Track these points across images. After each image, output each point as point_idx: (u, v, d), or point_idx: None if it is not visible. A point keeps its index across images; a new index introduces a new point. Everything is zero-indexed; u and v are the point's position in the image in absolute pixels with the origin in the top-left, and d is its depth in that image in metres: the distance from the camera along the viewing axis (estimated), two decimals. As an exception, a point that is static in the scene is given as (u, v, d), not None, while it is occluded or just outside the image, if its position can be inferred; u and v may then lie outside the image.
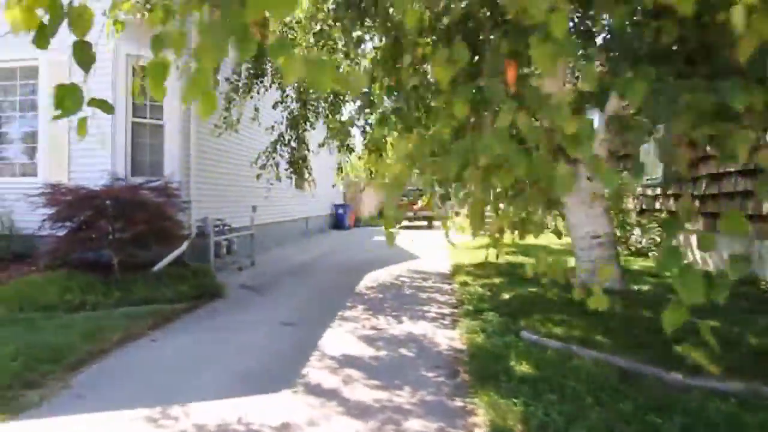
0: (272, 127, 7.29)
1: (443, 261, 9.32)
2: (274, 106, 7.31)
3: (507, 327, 4.22)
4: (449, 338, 4.35)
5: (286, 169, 7.30)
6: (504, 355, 3.65)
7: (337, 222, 16.97)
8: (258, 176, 7.01)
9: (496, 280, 6.41)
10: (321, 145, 7.31)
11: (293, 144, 7.05)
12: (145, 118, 6.43)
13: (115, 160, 6.11)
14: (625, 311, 4.51)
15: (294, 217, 12.53)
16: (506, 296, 5.42)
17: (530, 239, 12.51)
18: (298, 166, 7.20)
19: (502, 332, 4.10)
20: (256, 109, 7.10)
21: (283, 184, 11.44)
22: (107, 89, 6.06)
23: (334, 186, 14.31)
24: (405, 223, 19.10)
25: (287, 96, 7.12)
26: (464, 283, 6.43)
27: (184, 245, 6.15)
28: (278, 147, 6.95)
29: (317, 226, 15.38)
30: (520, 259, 8.33)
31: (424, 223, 19.22)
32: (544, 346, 3.75)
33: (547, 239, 11.73)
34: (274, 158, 6.94)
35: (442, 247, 12.00)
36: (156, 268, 5.80)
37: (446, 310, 5.37)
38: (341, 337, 4.33)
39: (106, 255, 5.59)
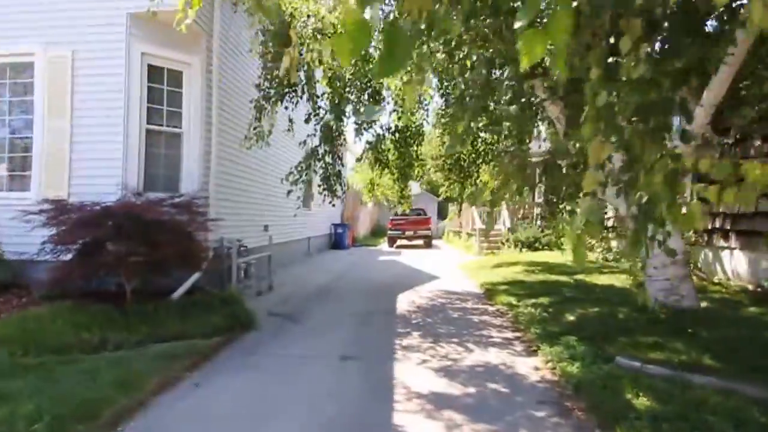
0: (304, 141, 6.76)
1: (465, 281, 8.86)
2: (307, 120, 6.79)
3: (595, 353, 3.76)
4: (533, 367, 3.85)
5: (319, 185, 6.72)
6: (611, 386, 3.18)
7: (336, 242, 16.31)
8: (289, 192, 6.42)
9: (543, 300, 5.96)
10: (359, 159, 6.83)
11: (328, 159, 6.52)
12: (161, 125, 5.78)
13: (126, 172, 5.41)
14: (714, 330, 4.13)
15: (298, 237, 11.85)
16: (571, 317, 4.97)
17: (530, 255, 12.31)
18: (333, 182, 6.65)
19: (593, 359, 3.64)
20: (291, 121, 6.54)
21: (290, 202, 10.87)
22: (118, 90, 5.43)
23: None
24: (405, 242, 18.64)
25: (319, 108, 6.64)
26: (510, 305, 5.96)
27: (202, 269, 5.46)
28: (312, 162, 6.40)
29: (318, 246, 14.70)
30: (550, 277, 7.93)
31: (420, 242, 18.73)
32: (650, 374, 3.31)
33: (548, 256, 11.58)
34: (307, 174, 6.38)
35: (453, 265, 11.57)
36: (175, 295, 5.09)
37: (509, 335, 4.87)
38: (415, 371, 3.76)
39: (117, 282, 4.86)
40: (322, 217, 14.94)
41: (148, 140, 5.64)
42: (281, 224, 9.97)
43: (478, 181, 8.42)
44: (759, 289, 6.10)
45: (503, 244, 14.26)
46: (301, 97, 6.83)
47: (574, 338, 4.08)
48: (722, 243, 7.10)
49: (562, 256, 11.15)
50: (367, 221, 24.26)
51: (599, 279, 7.52)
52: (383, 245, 20.20)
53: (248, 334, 4.74)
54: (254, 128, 6.04)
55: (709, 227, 7.27)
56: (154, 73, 5.68)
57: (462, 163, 8.28)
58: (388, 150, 7.26)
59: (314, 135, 6.65)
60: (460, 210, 14.79)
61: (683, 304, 4.44)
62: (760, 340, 3.96)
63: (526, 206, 14.57)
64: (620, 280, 7.29)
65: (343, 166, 6.88)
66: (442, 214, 28.16)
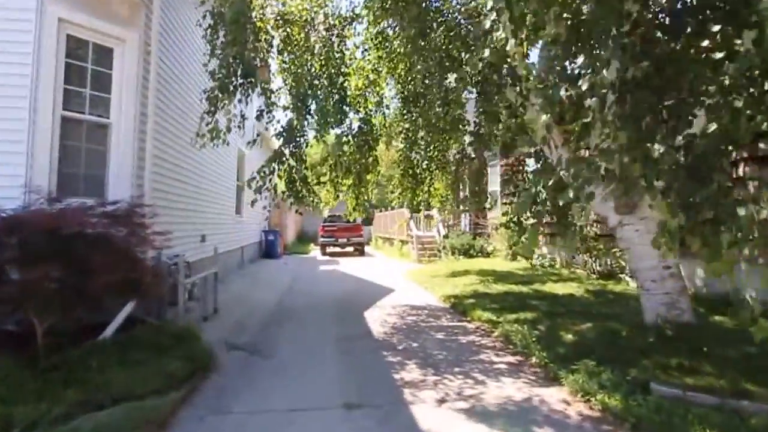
0: (254, 140, 5.80)
1: (423, 293, 8.48)
2: (259, 117, 5.83)
3: (623, 380, 3.53)
4: (562, 401, 3.51)
5: (283, 192, 5.78)
6: (671, 423, 2.91)
7: (267, 250, 14.99)
8: (253, 202, 5.43)
9: (523, 315, 5.76)
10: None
11: (291, 161, 5.63)
12: (82, 112, 4.45)
13: (33, 170, 4.03)
14: (729, 347, 4.11)
15: (233, 246, 10.54)
16: (568, 336, 4.78)
17: (469, 263, 12.31)
18: (300, 187, 5.75)
19: (627, 388, 3.40)
20: (243, 117, 5.49)
21: (224, 208, 9.58)
22: (26, 61, 4.07)
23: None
24: (336, 249, 17.87)
25: (274, 104, 5.73)
26: (491, 322, 5.67)
27: (143, 295, 4.30)
28: (275, 165, 5.47)
29: (250, 255, 13.33)
30: (510, 288, 7.85)
31: (351, 248, 18.06)
32: (698, 404, 3.14)
33: (489, 263, 11.80)
34: (271, 179, 5.43)
35: (398, 275, 11.17)
36: (108, 332, 3.90)
37: (510, 359, 4.52)
38: (440, 417, 3.19)
39: (22, 321, 3.57)
40: (253, 223, 13.63)
41: (64, 131, 4.32)
42: (216, 233, 8.71)
43: (431, 188, 8.12)
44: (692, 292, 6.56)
45: (440, 251, 14.27)
46: (253, 91, 5.91)
47: (592, 363, 3.83)
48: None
49: (506, 263, 11.38)
50: (293, 227, 22.99)
51: (555, 288, 7.61)
52: (315, 253, 19.25)
53: (211, 380, 3.76)
54: (207, 123, 4.98)
55: None
56: (76, 47, 4.39)
57: (415, 168, 7.90)
58: (351, 153, 6.59)
59: (269, 131, 5.70)
60: (410, 218, 14.50)
61: (684, 319, 4.46)
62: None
63: (457, 213, 14.77)
64: (573, 288, 7.46)
65: (307, 168, 6.05)
66: (365, 221, 27.81)
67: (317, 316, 6.37)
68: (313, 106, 5.91)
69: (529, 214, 6.36)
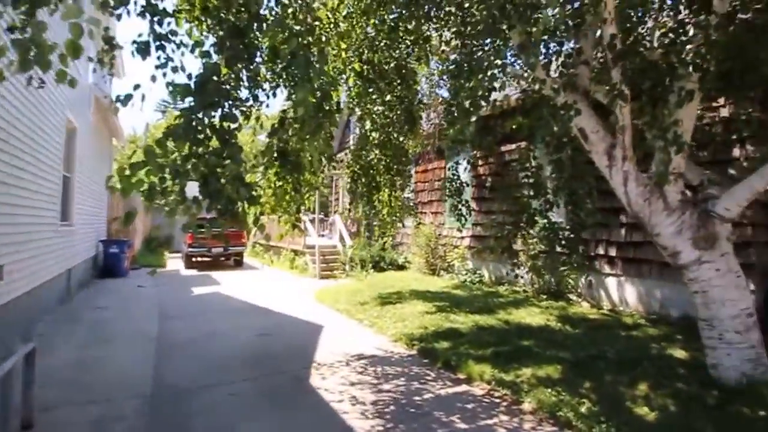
0: (129, 95, 3.08)
1: (362, 331, 6.47)
2: (143, 49, 3.16)
3: None
4: None
5: (195, 198, 2.99)
6: None
7: (108, 266, 10.86)
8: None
9: (542, 369, 4.38)
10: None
11: (215, 142, 3.01)
12: None
13: None
14: None
15: (52, 273, 6.84)
16: (640, 408, 3.49)
17: (383, 278, 10.81)
18: (232, 187, 3.01)
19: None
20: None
21: (43, 216, 6.04)
22: None
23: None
24: (202, 259, 14.30)
25: (168, 37, 3.14)
26: (501, 382, 4.13)
27: None
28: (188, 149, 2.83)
29: (81, 277, 9.27)
30: (476, 319, 6.37)
31: (223, 260, 14.71)
32: None
33: (411, 279, 10.42)
34: (177, 180, 2.77)
35: (307, 298, 8.91)
36: None
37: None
38: None
39: None
40: (89, 232, 9.64)
41: None
42: (23, 257, 5.29)
43: (392, 196, 6.30)
44: (654, 316, 6.24)
45: (344, 264, 12.38)
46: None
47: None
48: (607, 269, 7.20)
49: (427, 278, 10.10)
50: (141, 231, 18.18)
51: (521, 316, 6.51)
52: (174, 264, 15.16)
53: None
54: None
55: (591, 254, 7.32)
56: None
57: (372, 171, 5.98)
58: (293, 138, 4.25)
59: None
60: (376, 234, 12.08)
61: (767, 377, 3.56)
62: None
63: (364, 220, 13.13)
64: (539, 316, 6.48)
65: (244, 161, 3.50)
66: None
67: (240, 412, 3.86)
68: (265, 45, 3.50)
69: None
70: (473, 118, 3.94)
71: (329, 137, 4.17)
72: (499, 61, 3.96)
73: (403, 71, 5.79)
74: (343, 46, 5.13)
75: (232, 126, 3.16)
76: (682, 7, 4.01)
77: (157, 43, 3.46)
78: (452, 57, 6.05)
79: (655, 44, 4.22)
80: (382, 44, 5.59)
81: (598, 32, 3.99)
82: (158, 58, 3.51)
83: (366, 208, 7.16)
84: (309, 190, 4.76)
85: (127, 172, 2.71)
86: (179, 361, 5.09)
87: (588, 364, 4.39)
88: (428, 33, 5.62)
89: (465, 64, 4.19)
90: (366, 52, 5.58)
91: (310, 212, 13.05)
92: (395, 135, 5.92)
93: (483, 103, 4.06)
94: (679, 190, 3.77)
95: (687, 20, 3.74)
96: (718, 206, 3.66)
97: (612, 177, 3.96)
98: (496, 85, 4.10)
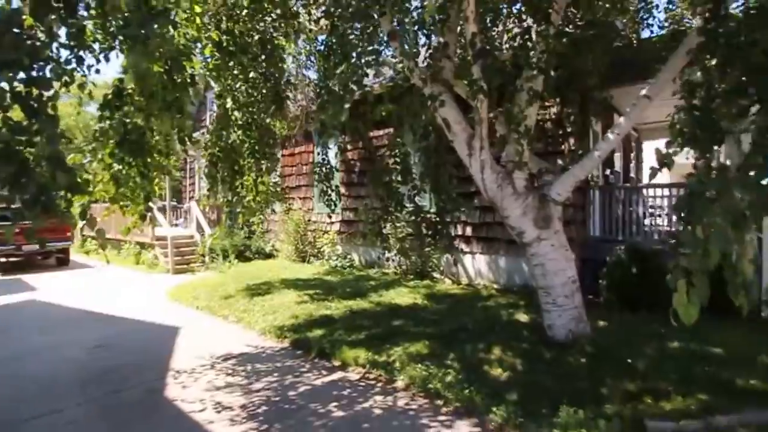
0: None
1: (228, 328, 6.00)
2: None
3: (618, 423, 2.99)
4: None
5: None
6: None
7: None
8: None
9: (411, 346, 4.64)
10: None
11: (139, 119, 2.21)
12: None
13: None
14: (636, 355, 4.08)
15: None
16: (495, 371, 3.94)
17: (250, 268, 10.68)
18: (44, 174, 2.24)
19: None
20: None
21: None
22: None
23: None
24: (13, 259, 11.52)
25: None
26: (377, 364, 4.27)
27: None
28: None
29: None
30: (353, 304, 6.45)
31: (40, 258, 12.09)
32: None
33: (281, 267, 10.06)
34: None
35: (157, 296, 7.87)
36: None
37: (466, 427, 3.28)
38: None
39: None
40: None
41: None
42: None
43: (259, 181, 5.81)
44: (502, 287, 7.24)
45: (204, 256, 11.30)
46: None
47: (571, 408, 3.11)
48: (464, 248, 8.05)
49: (297, 265, 9.83)
50: None
51: (393, 297, 6.81)
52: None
53: None
54: None
55: (453, 234, 8.10)
56: None
57: (234, 154, 5.43)
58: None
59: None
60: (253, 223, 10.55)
61: (587, 331, 4.34)
62: (677, 354, 4.14)
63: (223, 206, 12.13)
64: (409, 296, 6.88)
65: (65, 137, 2.72)
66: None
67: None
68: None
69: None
70: (347, 105, 3.86)
71: (188, 115, 3.63)
72: (372, 48, 3.93)
73: (269, 46, 5.37)
74: (198, 9, 4.50)
75: (46, 93, 2.49)
76: (525, 16, 4.52)
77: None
78: (321, 38, 5.83)
79: (504, 48, 4.70)
80: (243, 13, 5.09)
81: (459, 29, 4.26)
82: None
83: (228, 194, 6.55)
84: (158, 175, 4.10)
85: None
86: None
87: (452, 336, 4.80)
88: (296, 8, 5.32)
89: (337, 48, 4.07)
90: (225, 20, 5.02)
91: (158, 200, 11.51)
92: (261, 116, 5.50)
93: (355, 88, 4.01)
94: (524, 177, 4.30)
95: (531, 27, 4.24)
96: (552, 191, 4.29)
97: (471, 165, 4.32)
98: (370, 72, 4.08)
